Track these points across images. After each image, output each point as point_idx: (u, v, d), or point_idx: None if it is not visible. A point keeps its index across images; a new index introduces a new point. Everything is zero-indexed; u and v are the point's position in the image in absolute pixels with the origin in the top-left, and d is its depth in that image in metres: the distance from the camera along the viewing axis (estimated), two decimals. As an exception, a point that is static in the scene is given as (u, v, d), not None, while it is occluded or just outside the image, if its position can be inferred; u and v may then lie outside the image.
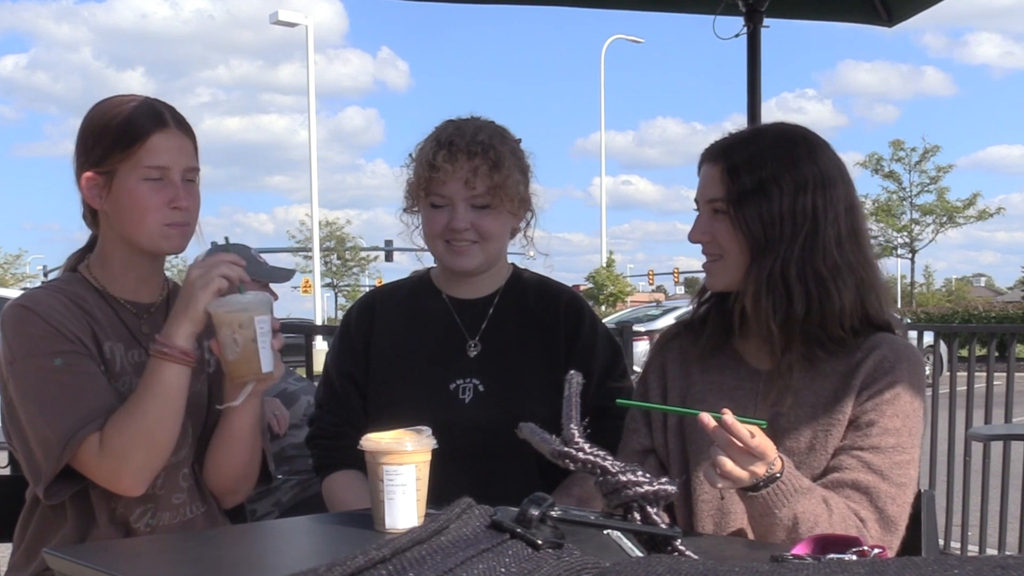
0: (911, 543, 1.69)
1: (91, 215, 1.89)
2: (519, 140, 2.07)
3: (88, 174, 1.82)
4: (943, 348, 7.32)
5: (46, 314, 1.75)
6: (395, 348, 2.07)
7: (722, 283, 1.78)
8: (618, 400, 1.79)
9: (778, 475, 1.49)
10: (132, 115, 1.81)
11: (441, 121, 2.06)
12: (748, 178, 1.70)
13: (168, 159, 1.81)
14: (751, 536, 1.70)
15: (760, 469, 1.47)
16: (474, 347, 2.05)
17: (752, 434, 1.44)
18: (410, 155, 2.07)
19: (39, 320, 1.75)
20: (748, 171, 1.70)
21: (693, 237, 1.78)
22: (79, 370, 1.74)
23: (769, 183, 1.69)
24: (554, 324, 2.07)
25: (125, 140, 1.79)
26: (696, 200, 1.80)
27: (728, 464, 1.45)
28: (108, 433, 1.70)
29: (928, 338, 6.97)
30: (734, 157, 1.73)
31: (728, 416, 1.43)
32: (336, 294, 48.85)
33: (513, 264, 2.18)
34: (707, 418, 1.45)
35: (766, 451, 1.46)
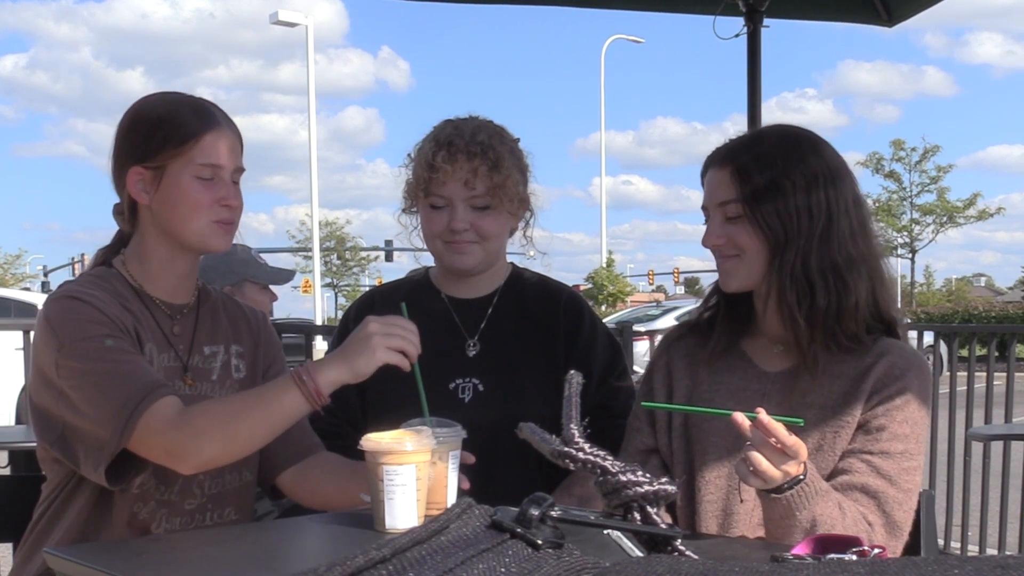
0: (911, 543, 1.69)
1: (129, 211, 1.86)
2: (517, 139, 2.07)
3: (136, 168, 1.80)
4: (943, 348, 7.33)
5: (94, 301, 1.73)
6: None
7: (739, 282, 1.77)
8: (644, 403, 1.77)
9: (802, 477, 1.49)
10: (184, 112, 1.80)
11: (440, 121, 2.06)
12: (759, 177, 1.71)
13: (221, 158, 1.80)
14: (751, 539, 1.70)
15: (793, 468, 1.46)
16: (473, 347, 2.05)
17: (789, 432, 1.43)
18: (408, 155, 2.07)
19: (87, 307, 1.72)
20: (758, 170, 1.71)
21: (708, 242, 1.77)
22: (131, 353, 1.71)
23: (781, 179, 1.70)
24: (553, 323, 2.07)
25: (178, 137, 1.78)
26: (705, 207, 1.80)
27: (764, 463, 1.43)
28: (194, 410, 1.65)
29: (928, 338, 6.97)
30: (742, 158, 1.74)
31: (764, 414, 1.42)
32: (336, 294, 48.89)
33: (512, 263, 2.18)
34: (742, 418, 1.43)
35: (800, 451, 1.45)
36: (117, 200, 1.88)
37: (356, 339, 1.62)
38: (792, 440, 1.43)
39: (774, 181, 1.70)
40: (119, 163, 1.83)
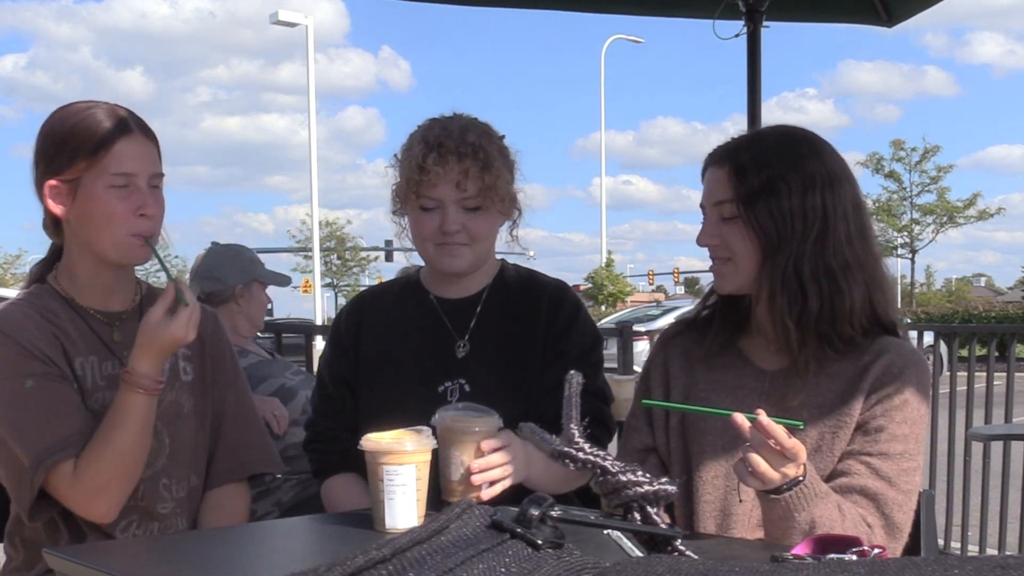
0: (910, 544, 1.69)
1: (53, 225, 1.85)
2: (503, 136, 2.04)
3: (52, 182, 1.78)
4: (943, 348, 7.33)
5: (16, 333, 1.74)
6: (384, 351, 2.05)
7: (732, 286, 1.78)
8: (644, 400, 1.75)
9: (800, 478, 1.48)
10: (95, 122, 1.78)
11: (425, 120, 2.02)
12: (755, 177, 1.70)
13: (134, 166, 1.78)
14: (751, 539, 1.70)
15: (791, 471, 1.46)
16: (462, 347, 2.03)
17: (789, 434, 1.43)
18: (395, 156, 2.03)
19: (9, 341, 1.73)
20: (755, 170, 1.71)
21: (702, 241, 1.78)
22: (51, 393, 1.73)
23: (777, 181, 1.70)
24: (537, 316, 2.04)
25: (89, 147, 1.76)
26: (702, 205, 1.80)
27: (762, 464, 1.44)
28: (83, 468, 1.70)
29: (928, 338, 6.96)
30: (740, 158, 1.74)
31: (763, 416, 1.42)
32: (336, 294, 48.84)
33: (501, 260, 2.16)
34: (741, 419, 1.43)
35: (799, 453, 1.45)
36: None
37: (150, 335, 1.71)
38: (791, 442, 1.43)
39: (770, 182, 1.70)
40: (36, 177, 1.82)
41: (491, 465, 1.64)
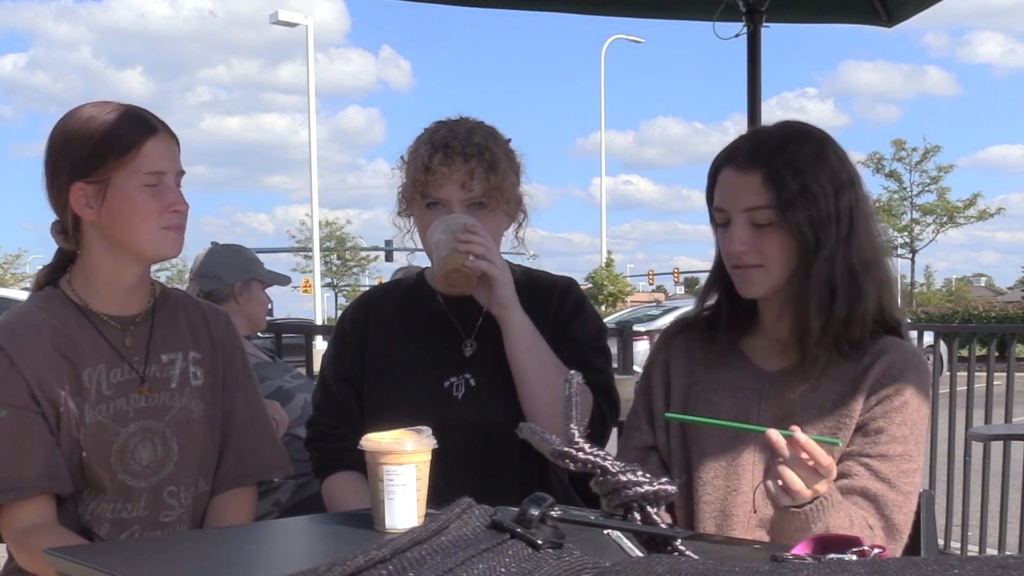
0: (910, 544, 1.69)
1: (71, 229, 1.83)
2: (509, 140, 2.05)
3: (79, 184, 1.77)
4: (943, 348, 7.32)
5: (15, 352, 1.74)
6: (391, 349, 2.06)
7: (762, 290, 1.73)
8: (668, 414, 1.77)
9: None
10: (121, 123, 1.78)
11: (431, 123, 2.04)
12: (793, 182, 1.66)
13: (163, 164, 1.79)
14: (749, 539, 1.70)
15: (823, 487, 1.46)
16: (470, 347, 2.04)
17: (827, 451, 1.42)
18: (401, 158, 2.05)
19: (4, 359, 1.73)
20: (792, 175, 1.66)
21: (734, 249, 1.70)
22: (23, 428, 1.73)
23: (812, 185, 1.66)
24: (545, 314, 2.05)
25: (119, 148, 1.76)
26: (719, 209, 1.74)
27: (797, 483, 1.43)
28: (34, 543, 1.69)
29: (928, 338, 6.96)
30: (774, 162, 1.68)
31: (799, 434, 1.40)
32: (336, 294, 48.87)
33: (506, 261, 2.16)
34: (776, 436, 1.41)
35: (832, 470, 1.45)
36: (55, 219, 1.85)
37: None
38: (828, 460, 1.42)
39: (806, 187, 1.66)
40: (57, 181, 1.80)
41: (472, 238, 1.89)
